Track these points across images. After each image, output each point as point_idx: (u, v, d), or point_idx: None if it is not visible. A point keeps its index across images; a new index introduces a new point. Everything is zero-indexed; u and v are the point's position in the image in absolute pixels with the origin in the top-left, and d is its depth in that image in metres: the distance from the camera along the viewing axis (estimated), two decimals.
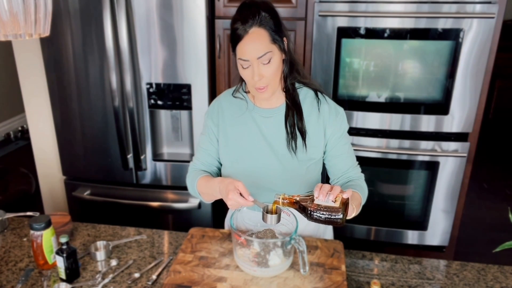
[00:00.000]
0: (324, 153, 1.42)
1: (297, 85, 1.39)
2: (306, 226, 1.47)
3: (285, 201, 1.15)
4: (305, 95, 1.39)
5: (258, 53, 1.22)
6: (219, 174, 1.51)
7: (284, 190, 1.38)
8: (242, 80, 1.39)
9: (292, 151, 1.36)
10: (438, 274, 1.33)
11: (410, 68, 2.05)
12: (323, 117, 1.37)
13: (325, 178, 1.53)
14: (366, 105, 2.13)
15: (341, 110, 1.41)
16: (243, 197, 1.19)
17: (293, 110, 1.36)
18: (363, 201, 1.37)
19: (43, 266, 1.33)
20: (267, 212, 1.20)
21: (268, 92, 1.29)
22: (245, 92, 1.42)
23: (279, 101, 1.38)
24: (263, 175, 1.39)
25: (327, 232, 1.56)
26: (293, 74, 1.35)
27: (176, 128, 2.28)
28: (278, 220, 1.20)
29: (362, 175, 1.45)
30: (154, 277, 1.29)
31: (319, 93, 1.39)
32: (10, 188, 3.32)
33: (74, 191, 2.40)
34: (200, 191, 1.40)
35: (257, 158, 1.39)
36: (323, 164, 1.48)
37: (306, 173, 1.40)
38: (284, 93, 1.37)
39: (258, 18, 1.22)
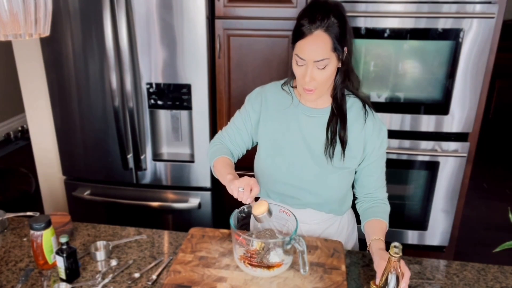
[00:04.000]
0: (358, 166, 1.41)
1: (345, 92, 1.36)
2: (327, 229, 1.48)
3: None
4: (352, 103, 1.37)
5: (316, 57, 1.20)
6: (239, 157, 1.51)
7: (313, 191, 1.40)
8: (292, 74, 1.37)
9: (328, 157, 1.35)
10: (438, 274, 1.33)
11: (410, 68, 2.05)
12: (366, 131, 1.35)
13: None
14: None
15: (384, 128, 1.38)
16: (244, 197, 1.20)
17: (338, 117, 1.33)
18: (387, 223, 1.39)
19: (43, 266, 1.33)
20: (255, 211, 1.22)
21: (315, 95, 1.28)
22: (292, 87, 1.40)
23: (325, 103, 1.37)
24: (295, 172, 1.39)
25: (351, 240, 1.57)
26: (345, 82, 1.33)
27: (176, 128, 2.28)
28: (270, 215, 1.22)
29: (386, 195, 1.45)
30: (154, 277, 1.29)
31: (366, 106, 1.37)
32: (10, 188, 3.32)
33: (74, 191, 2.40)
34: (215, 166, 1.40)
35: (292, 155, 1.39)
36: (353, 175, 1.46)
37: (338, 180, 1.39)
38: (331, 98, 1.35)
39: (326, 22, 1.19)
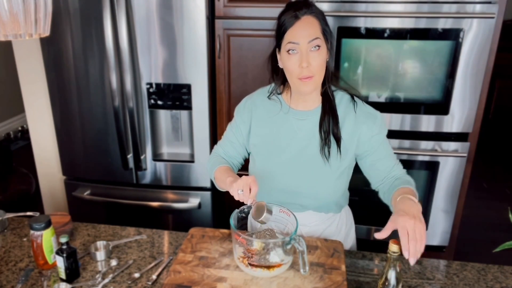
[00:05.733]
0: (359, 159, 1.40)
1: (332, 88, 1.37)
2: (326, 228, 1.48)
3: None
4: (340, 98, 1.37)
5: (309, 36, 1.22)
6: (238, 168, 1.52)
7: (312, 195, 1.39)
8: (276, 81, 1.38)
9: (325, 157, 1.34)
10: (438, 274, 1.33)
11: (410, 68, 2.05)
12: (357, 121, 1.34)
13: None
14: None
15: (378, 114, 1.37)
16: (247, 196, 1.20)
17: (329, 115, 1.33)
18: (416, 191, 1.30)
19: (43, 266, 1.33)
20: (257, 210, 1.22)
21: (311, 84, 1.27)
22: (279, 94, 1.40)
23: (315, 103, 1.36)
24: (291, 178, 1.39)
25: (349, 237, 1.57)
26: (332, 80, 1.35)
27: (176, 128, 2.28)
28: (270, 214, 1.22)
29: (405, 171, 1.39)
30: (154, 277, 1.29)
31: (355, 97, 1.37)
32: (10, 188, 3.32)
33: (74, 191, 2.40)
34: (216, 177, 1.41)
35: (287, 161, 1.38)
36: (350, 172, 1.45)
37: (336, 180, 1.39)
38: (321, 97, 1.36)
39: (311, 8, 1.25)
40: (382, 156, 1.38)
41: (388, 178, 1.38)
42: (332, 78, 1.35)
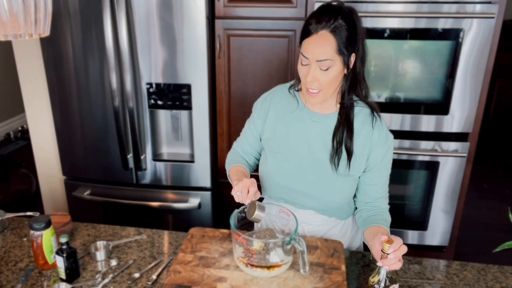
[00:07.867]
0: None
1: (354, 97, 1.33)
2: (329, 230, 1.48)
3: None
4: (359, 110, 1.34)
5: (318, 56, 1.19)
6: (255, 163, 1.54)
7: (316, 197, 1.39)
8: (298, 77, 1.36)
9: (333, 166, 1.33)
10: (438, 274, 1.33)
11: (410, 68, 2.05)
12: (372, 139, 1.32)
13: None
14: None
15: (391, 137, 1.35)
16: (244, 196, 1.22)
17: (344, 126, 1.31)
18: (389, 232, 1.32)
19: (43, 266, 1.33)
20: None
21: (318, 98, 1.26)
22: (297, 90, 1.39)
23: (332, 108, 1.34)
24: (297, 177, 1.38)
25: (356, 239, 1.56)
26: (356, 91, 1.31)
27: (176, 128, 2.28)
28: (262, 211, 1.22)
29: (388, 207, 1.41)
30: (154, 277, 1.29)
31: (374, 112, 1.34)
32: (10, 188, 3.32)
33: (74, 191, 2.40)
34: (230, 175, 1.44)
35: (295, 160, 1.38)
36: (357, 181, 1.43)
37: (341, 187, 1.37)
38: (339, 105, 1.33)
39: (332, 23, 1.17)
40: (375, 183, 1.38)
41: (371, 205, 1.39)
42: (356, 88, 1.30)
